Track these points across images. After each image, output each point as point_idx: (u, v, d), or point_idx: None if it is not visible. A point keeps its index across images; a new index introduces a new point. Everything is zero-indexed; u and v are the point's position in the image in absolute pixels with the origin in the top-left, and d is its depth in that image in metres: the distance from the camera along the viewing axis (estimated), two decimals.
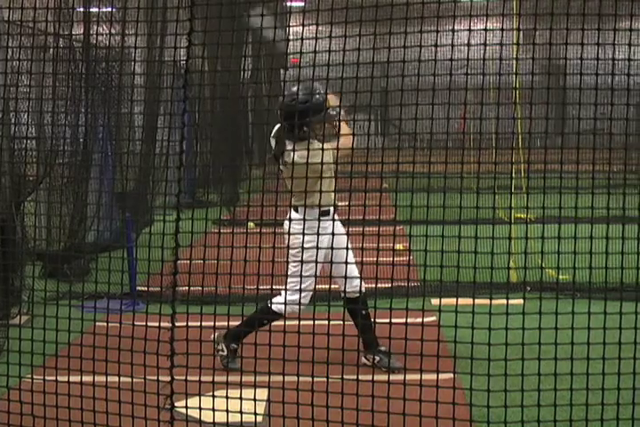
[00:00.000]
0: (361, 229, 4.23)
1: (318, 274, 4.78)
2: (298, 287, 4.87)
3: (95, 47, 8.50)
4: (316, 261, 4.17)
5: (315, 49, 3.87)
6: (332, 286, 4.83)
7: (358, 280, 5.39)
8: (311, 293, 5.12)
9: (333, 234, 4.31)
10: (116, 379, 3.95)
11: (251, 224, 4.38)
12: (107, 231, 8.84)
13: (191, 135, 10.21)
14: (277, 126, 5.59)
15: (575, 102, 3.92)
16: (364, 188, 4.03)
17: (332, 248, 4.35)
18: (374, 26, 3.72)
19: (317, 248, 4.10)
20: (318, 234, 4.13)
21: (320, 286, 4.18)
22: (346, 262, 4.90)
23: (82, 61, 8.18)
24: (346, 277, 4.98)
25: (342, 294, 5.35)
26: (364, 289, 5.50)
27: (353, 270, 5.26)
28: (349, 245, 5.17)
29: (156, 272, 4.35)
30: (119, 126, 9.26)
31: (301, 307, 4.86)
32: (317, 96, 5.29)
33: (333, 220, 4.82)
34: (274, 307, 5.36)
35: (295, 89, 5.26)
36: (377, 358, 5.43)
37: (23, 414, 4.09)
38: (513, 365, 3.61)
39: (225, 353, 5.49)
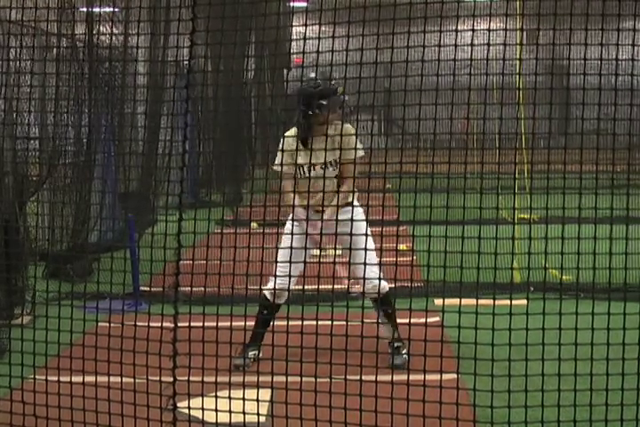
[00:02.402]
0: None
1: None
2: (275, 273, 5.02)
3: (98, 47, 8.50)
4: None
5: (318, 49, 3.87)
6: (339, 286, 4.81)
7: (377, 280, 5.37)
8: (292, 278, 5.13)
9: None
10: (118, 379, 3.95)
11: (254, 224, 4.38)
12: (109, 231, 8.84)
13: (194, 135, 10.22)
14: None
15: (578, 102, 3.92)
16: (367, 188, 4.03)
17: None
18: (377, 26, 3.71)
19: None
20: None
21: (323, 287, 4.17)
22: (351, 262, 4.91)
23: (84, 61, 8.18)
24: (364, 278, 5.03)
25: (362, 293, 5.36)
26: (385, 289, 5.49)
27: (370, 271, 5.11)
28: (372, 246, 5.10)
29: (158, 273, 4.34)
30: (122, 126, 9.26)
31: (278, 291, 5.19)
32: (333, 82, 5.37)
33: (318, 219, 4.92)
34: (264, 292, 5.51)
35: (313, 75, 5.34)
36: (399, 345, 5.53)
37: (25, 414, 4.09)
38: (516, 365, 3.61)
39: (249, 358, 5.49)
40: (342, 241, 5.29)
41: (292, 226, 5.23)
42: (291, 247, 4.21)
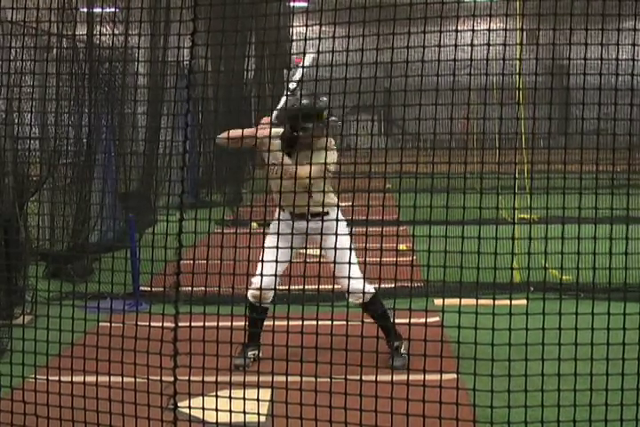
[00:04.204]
0: (364, 229, 4.24)
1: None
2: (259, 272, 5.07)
3: (98, 47, 8.50)
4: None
5: (318, 49, 3.87)
6: (336, 287, 4.83)
7: (360, 286, 5.34)
8: (272, 278, 5.08)
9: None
10: (119, 379, 3.96)
11: (254, 224, 4.38)
12: (110, 231, 8.85)
13: (194, 135, 10.23)
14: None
15: (579, 102, 3.92)
16: (367, 188, 4.04)
17: (335, 248, 4.38)
18: (377, 26, 3.71)
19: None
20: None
21: (323, 287, 4.18)
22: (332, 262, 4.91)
23: (85, 62, 8.19)
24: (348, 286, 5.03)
25: (347, 297, 5.36)
26: (370, 291, 5.47)
27: (353, 276, 5.13)
28: (351, 251, 5.12)
29: (159, 272, 4.35)
30: (122, 126, 9.26)
31: (261, 292, 5.17)
32: (321, 103, 5.34)
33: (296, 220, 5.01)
34: (247, 293, 5.48)
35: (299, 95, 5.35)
36: (397, 344, 5.53)
37: (27, 414, 4.10)
38: (516, 365, 3.61)
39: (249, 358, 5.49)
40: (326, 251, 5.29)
41: (278, 226, 5.25)
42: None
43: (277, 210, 5.56)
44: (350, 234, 5.25)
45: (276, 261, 4.20)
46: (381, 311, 5.51)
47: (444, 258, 3.65)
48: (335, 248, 4.48)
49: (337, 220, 5.21)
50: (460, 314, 3.54)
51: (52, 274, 7.46)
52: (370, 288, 5.43)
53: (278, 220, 5.46)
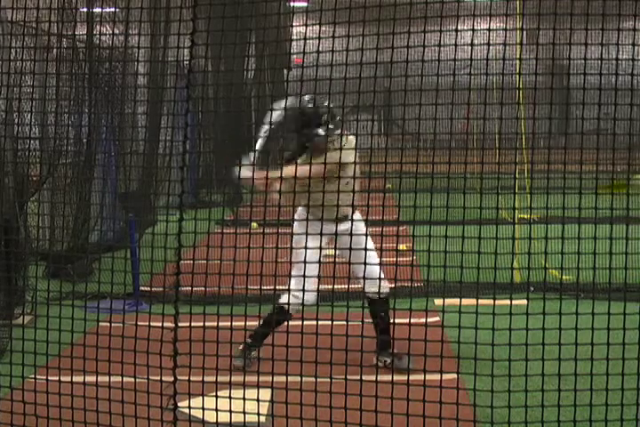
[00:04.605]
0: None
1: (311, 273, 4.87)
2: (298, 287, 4.96)
3: (98, 47, 8.51)
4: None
5: (318, 49, 3.87)
6: (341, 286, 4.82)
7: (380, 282, 5.32)
8: (314, 292, 5.14)
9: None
10: (119, 379, 3.96)
11: (254, 224, 4.38)
12: (110, 231, 8.85)
13: (194, 135, 10.23)
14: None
15: (579, 102, 3.92)
16: (367, 188, 4.04)
17: (350, 248, 4.37)
18: (377, 26, 3.71)
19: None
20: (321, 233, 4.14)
21: (323, 287, 4.18)
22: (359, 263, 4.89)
23: (85, 62, 8.19)
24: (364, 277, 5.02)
25: (365, 295, 5.34)
26: (387, 290, 5.47)
27: (374, 272, 5.15)
28: (372, 246, 5.17)
29: (159, 272, 4.35)
30: (122, 126, 9.26)
31: (304, 305, 4.99)
32: (323, 110, 5.34)
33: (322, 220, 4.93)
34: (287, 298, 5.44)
35: (307, 97, 5.34)
36: (387, 361, 5.43)
37: (26, 414, 4.09)
38: (516, 365, 3.61)
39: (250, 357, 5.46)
40: (343, 252, 5.26)
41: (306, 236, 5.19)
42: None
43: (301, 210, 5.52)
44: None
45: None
46: (386, 319, 5.44)
47: (444, 258, 3.65)
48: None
49: (352, 219, 5.19)
50: (460, 314, 3.54)
51: (52, 274, 7.46)
52: (386, 286, 5.42)
53: (306, 219, 5.42)
